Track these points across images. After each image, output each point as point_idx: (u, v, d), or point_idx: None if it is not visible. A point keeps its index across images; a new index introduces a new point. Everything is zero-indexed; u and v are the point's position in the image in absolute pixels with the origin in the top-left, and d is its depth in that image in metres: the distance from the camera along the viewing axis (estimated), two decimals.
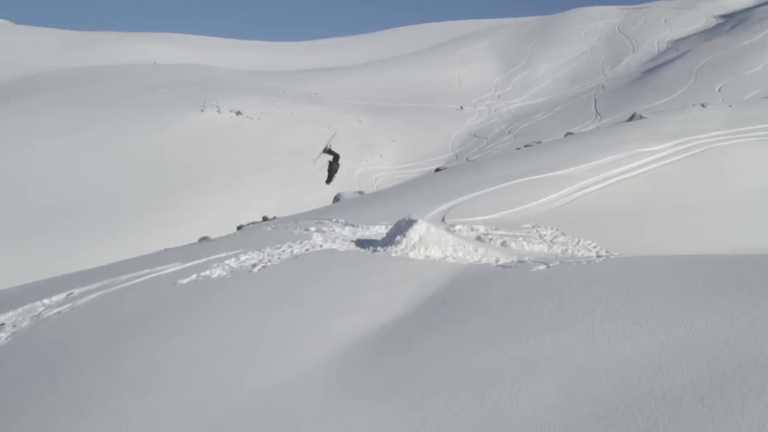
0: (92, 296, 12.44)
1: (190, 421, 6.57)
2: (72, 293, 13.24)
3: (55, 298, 13.20)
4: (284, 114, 70.60)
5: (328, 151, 16.49)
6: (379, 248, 13.65)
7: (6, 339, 11.31)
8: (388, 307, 9.09)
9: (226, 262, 13.12)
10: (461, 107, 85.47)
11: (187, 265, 13.47)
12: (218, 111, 66.96)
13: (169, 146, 55.67)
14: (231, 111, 67.87)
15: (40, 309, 12.81)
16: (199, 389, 7.20)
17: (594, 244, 14.76)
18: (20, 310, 13.13)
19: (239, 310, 9.60)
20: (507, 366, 6.22)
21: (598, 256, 12.42)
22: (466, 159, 57.46)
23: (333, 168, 16.30)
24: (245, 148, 59.34)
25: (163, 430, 6.55)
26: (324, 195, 42.22)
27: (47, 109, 66.93)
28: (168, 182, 47.29)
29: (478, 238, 14.75)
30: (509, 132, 69.57)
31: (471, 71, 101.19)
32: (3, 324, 12.52)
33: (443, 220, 16.97)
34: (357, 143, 65.80)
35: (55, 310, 12.16)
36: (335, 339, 8.02)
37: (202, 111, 66.00)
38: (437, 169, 46.54)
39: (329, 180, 16.58)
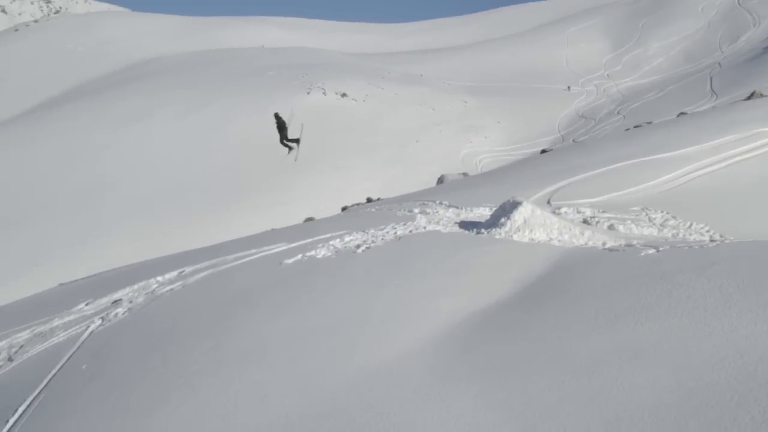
0: (202, 274, 12.84)
1: (294, 399, 6.70)
2: (183, 271, 13.70)
3: (167, 276, 13.69)
4: (389, 96, 70.82)
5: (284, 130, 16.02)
6: (482, 230, 13.54)
7: (123, 314, 11.83)
8: (492, 289, 9.01)
9: (331, 242, 13.29)
10: (568, 87, 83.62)
11: (293, 245, 13.72)
12: (324, 93, 67.76)
13: (272, 126, 56.76)
14: (336, 93, 68.58)
15: (154, 286, 13.32)
16: (303, 368, 7.34)
17: (707, 228, 14.20)
18: (136, 286, 13.70)
19: (343, 290, 9.71)
20: (613, 351, 6.06)
21: (711, 241, 11.94)
22: (573, 140, 56.26)
23: (280, 126, 15.91)
24: (350, 129, 59.88)
25: (269, 407, 6.71)
26: (428, 176, 42.19)
27: (161, 93, 69.30)
28: (275, 164, 48.20)
29: (585, 221, 14.43)
30: (618, 112, 67.61)
31: (579, 50, 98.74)
32: (120, 300, 13.10)
33: (549, 202, 16.68)
34: (461, 124, 65.37)
35: (168, 287, 12.62)
36: (437, 321, 8.02)
37: (308, 93, 66.96)
38: (543, 151, 45.79)
39: (283, 140, 16.12)
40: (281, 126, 14.56)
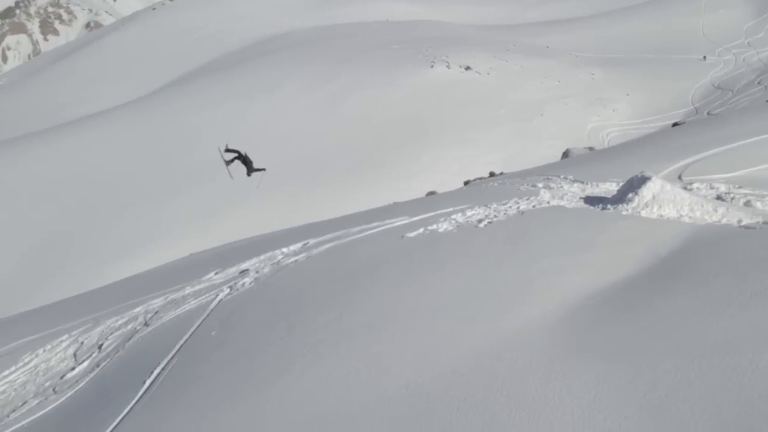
0: (326, 246, 13.07)
1: (414, 372, 6.73)
2: (308, 243, 14.00)
3: (292, 247, 14.01)
4: (513, 68, 69.68)
5: (230, 158, 15.48)
6: (609, 206, 13.16)
7: (250, 283, 12.22)
8: (618, 266, 8.75)
9: (453, 216, 13.23)
10: (704, 57, 79.72)
11: (415, 218, 13.75)
12: (447, 66, 67.37)
13: (400, 102, 56.89)
14: (460, 66, 68.02)
15: (280, 257, 13.67)
16: (423, 341, 7.36)
17: None
18: (262, 257, 14.10)
19: (465, 264, 9.66)
20: (748, 333, 5.78)
21: None
22: (708, 113, 53.73)
23: (247, 162, 15.46)
24: (474, 103, 59.35)
25: (389, 379, 6.78)
26: (553, 151, 41.34)
27: (289, 67, 70.69)
28: (398, 137, 48.45)
29: (719, 198, 13.78)
30: (759, 83, 63.97)
31: (717, 18, 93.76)
32: (247, 270, 13.53)
33: (680, 177, 16.02)
34: (588, 97, 63.61)
35: (293, 259, 12.92)
36: (560, 297, 7.86)
37: (432, 67, 66.72)
38: (675, 124, 43.98)
39: (249, 172, 15.65)
40: (244, 160, 14.55)
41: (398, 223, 13.68)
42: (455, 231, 11.89)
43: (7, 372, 12.89)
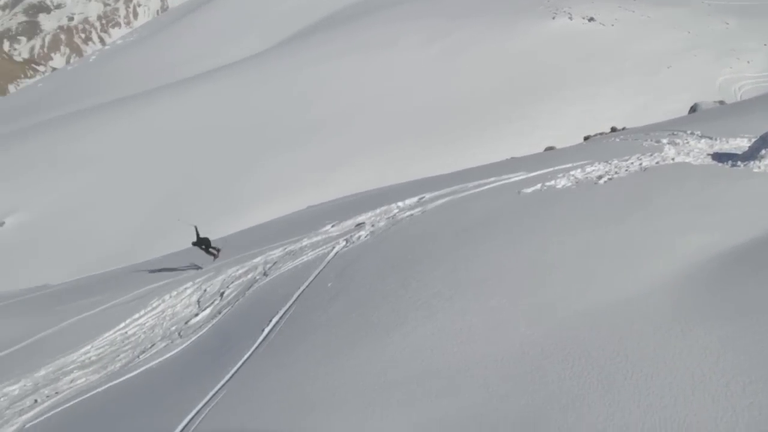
0: (441, 201, 13.03)
1: (528, 328, 6.65)
2: (423, 197, 13.99)
3: (408, 201, 14.05)
4: (640, 19, 66.80)
5: (200, 243, 14.70)
6: (738, 163, 12.52)
7: (366, 236, 12.35)
8: (746, 226, 8.31)
9: (572, 172, 12.92)
10: None
11: (532, 174, 13.51)
12: (570, 18, 65.26)
13: (520, 55, 55.70)
14: (583, 18, 65.76)
15: (395, 211, 13.74)
16: (539, 297, 7.26)
17: None
18: (378, 211, 14.21)
19: (582, 221, 9.43)
20: None
21: None
22: None
23: (211, 253, 14.94)
24: (597, 55, 57.39)
25: (503, 334, 6.73)
26: (680, 105, 39.62)
27: (407, 20, 70.23)
28: (517, 92, 47.55)
29: None
30: None
31: None
32: (363, 223, 13.67)
33: None
34: (720, 48, 60.36)
35: (408, 213, 12.96)
36: (683, 257, 7.56)
37: (553, 18, 64.81)
38: None
39: (209, 252, 15.04)
40: (202, 241, 14.19)
41: (515, 179, 13.48)
42: (574, 187, 11.62)
43: (137, 315, 13.57)
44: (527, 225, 9.77)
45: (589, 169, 13.06)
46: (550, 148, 26.84)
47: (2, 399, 11.84)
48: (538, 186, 12.08)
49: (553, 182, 12.25)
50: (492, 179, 13.94)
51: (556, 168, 13.64)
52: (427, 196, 13.99)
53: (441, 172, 20.89)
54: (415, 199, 14.09)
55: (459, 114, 44.23)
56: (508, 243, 9.13)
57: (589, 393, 5.33)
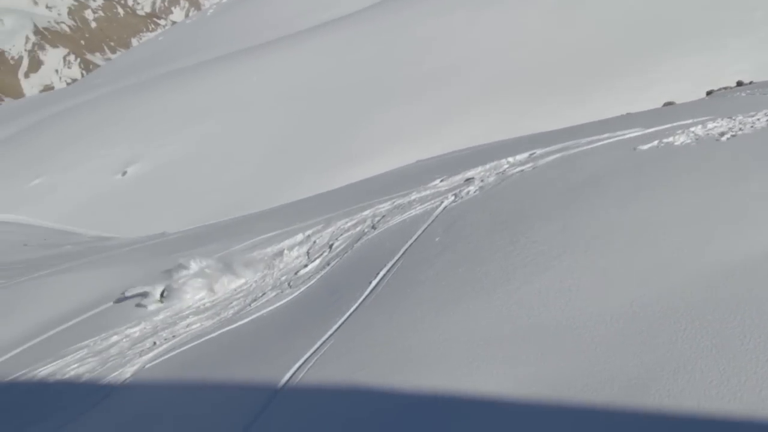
0: (552, 157, 12.78)
1: (639, 290, 6.49)
2: (534, 153, 13.76)
3: (518, 157, 13.85)
4: None
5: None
6: None
7: (474, 192, 12.27)
8: None
9: (692, 129, 12.40)
10: None
11: (649, 130, 13.05)
12: None
13: (638, 5, 53.55)
14: None
15: (505, 166, 13.58)
16: (651, 258, 7.05)
17: None
18: (487, 166, 14.08)
19: (701, 180, 9.05)
20: None
21: None
22: None
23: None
24: (723, 4, 54.56)
25: (613, 295, 6.59)
26: None
27: None
28: (635, 43, 45.79)
29: None
30: None
31: None
32: (472, 178, 13.58)
33: None
34: None
35: (518, 168, 12.78)
36: None
37: None
38: None
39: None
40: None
41: (631, 135, 13.05)
42: (693, 144, 11.14)
43: (249, 265, 13.97)
44: (642, 183, 9.47)
45: (710, 125, 12.49)
46: (669, 104, 25.85)
47: (124, 340, 12.48)
48: (655, 143, 11.65)
49: (671, 139, 11.78)
50: (606, 135, 13.55)
51: (675, 124, 13.12)
52: (538, 151, 13.74)
53: (553, 127, 20.46)
54: (525, 155, 13.87)
55: (572, 68, 43.09)
56: (622, 201, 8.88)
57: (702, 358, 5.16)
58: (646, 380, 5.19)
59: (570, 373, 5.69)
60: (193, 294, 13.13)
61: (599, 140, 13.32)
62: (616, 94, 37.52)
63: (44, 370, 12.27)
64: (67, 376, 11.83)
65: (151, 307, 13.22)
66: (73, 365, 12.13)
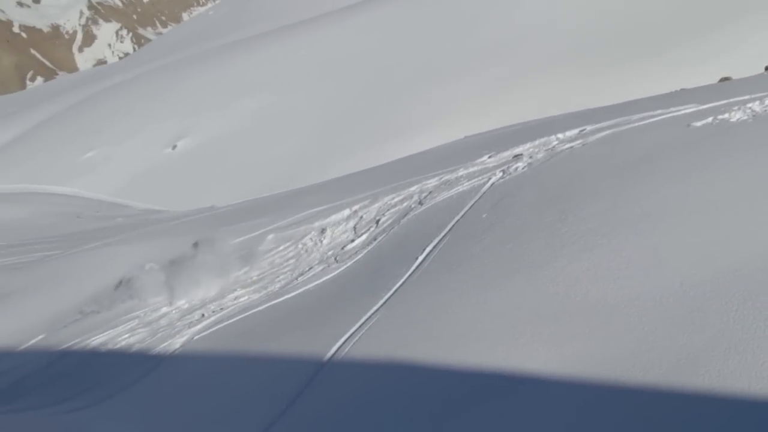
0: (603, 134, 12.57)
1: (691, 268, 6.36)
2: (584, 130, 13.55)
3: (568, 133, 13.66)
4: None
5: None
6: None
7: (523, 168, 12.14)
8: None
9: (749, 105, 12.06)
10: None
11: (704, 107, 12.73)
12: None
13: None
14: None
15: (554, 143, 13.40)
16: (704, 237, 6.90)
17: None
18: (536, 142, 13.91)
19: (757, 158, 8.81)
20: None
21: None
22: None
23: None
24: None
25: (663, 273, 6.47)
26: None
27: None
28: (692, 16, 44.69)
29: None
30: None
31: None
32: (521, 154, 13.43)
33: None
34: None
35: (568, 145, 12.60)
36: None
37: None
38: None
39: None
40: None
41: (685, 111, 12.76)
42: (750, 121, 10.85)
43: (297, 239, 14.06)
44: (695, 160, 9.26)
45: None
46: (725, 79, 25.22)
47: (174, 311, 12.70)
48: (710, 119, 11.37)
49: (726, 115, 11.48)
50: (659, 111, 13.27)
51: (731, 100, 12.78)
52: (589, 128, 13.52)
53: (604, 103, 20.11)
54: (575, 131, 13.67)
55: (625, 41, 42.26)
56: (674, 179, 8.69)
57: (755, 338, 5.05)
58: (695, 360, 5.10)
59: (617, 352, 5.62)
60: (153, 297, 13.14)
61: (652, 116, 13.05)
62: (670, 69, 36.74)
63: (96, 340, 12.55)
64: (118, 345, 12.09)
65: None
66: (124, 335, 12.39)
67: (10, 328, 13.89)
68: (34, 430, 9.62)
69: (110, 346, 12.14)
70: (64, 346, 12.76)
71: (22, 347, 13.20)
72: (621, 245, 7.31)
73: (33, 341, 13.31)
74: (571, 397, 5.48)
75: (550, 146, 13.24)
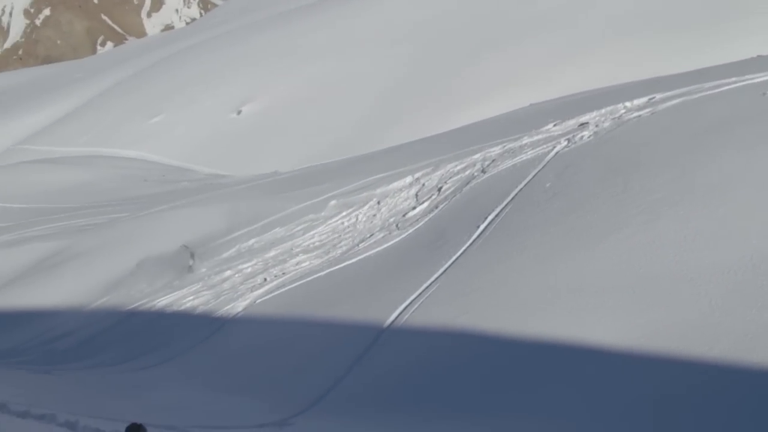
0: (673, 102, 12.24)
1: (762, 241, 6.17)
2: (654, 98, 13.22)
3: (636, 102, 13.35)
4: None
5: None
6: None
7: (588, 137, 11.92)
8: None
9: None
10: None
11: None
12: None
13: None
14: None
15: (622, 111, 13.11)
16: None
17: None
18: (603, 110, 13.63)
19: None
20: None
21: None
22: None
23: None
24: None
25: (732, 245, 6.30)
26: None
27: None
28: None
29: None
30: None
31: None
32: (587, 123, 13.18)
33: None
34: None
35: (636, 114, 12.31)
36: None
37: None
38: None
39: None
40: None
41: (760, 79, 12.32)
42: None
43: (358, 205, 14.11)
44: None
45: None
46: None
47: (237, 275, 12.90)
48: None
49: None
50: (733, 79, 12.84)
51: None
52: (658, 96, 13.18)
53: (676, 71, 19.56)
54: (644, 99, 13.34)
55: (700, 5, 40.94)
56: (747, 148, 8.40)
57: None
58: (763, 335, 4.98)
59: (682, 326, 5.51)
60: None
61: (725, 84, 12.64)
62: (748, 34, 35.47)
63: (162, 301, 12.86)
64: (183, 307, 12.37)
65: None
66: (188, 298, 12.66)
67: (79, 289, 14.30)
68: (104, 387, 9.93)
69: (175, 308, 12.42)
70: (131, 307, 13.09)
71: (91, 307, 13.60)
72: (688, 216, 7.13)
73: (101, 301, 13.69)
74: (634, 369, 5.42)
75: (618, 115, 12.96)
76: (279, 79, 48.58)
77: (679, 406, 4.95)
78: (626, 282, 6.46)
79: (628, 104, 13.43)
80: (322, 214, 14.24)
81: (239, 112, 46.08)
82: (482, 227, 9.87)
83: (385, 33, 49.75)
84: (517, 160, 12.41)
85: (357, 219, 13.65)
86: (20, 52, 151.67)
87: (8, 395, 7.52)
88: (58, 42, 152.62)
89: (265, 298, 11.42)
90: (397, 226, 12.35)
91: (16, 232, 20.87)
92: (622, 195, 8.47)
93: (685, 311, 5.66)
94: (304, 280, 11.46)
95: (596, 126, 12.63)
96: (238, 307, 11.49)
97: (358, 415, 7.10)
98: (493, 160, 13.27)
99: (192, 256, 13.56)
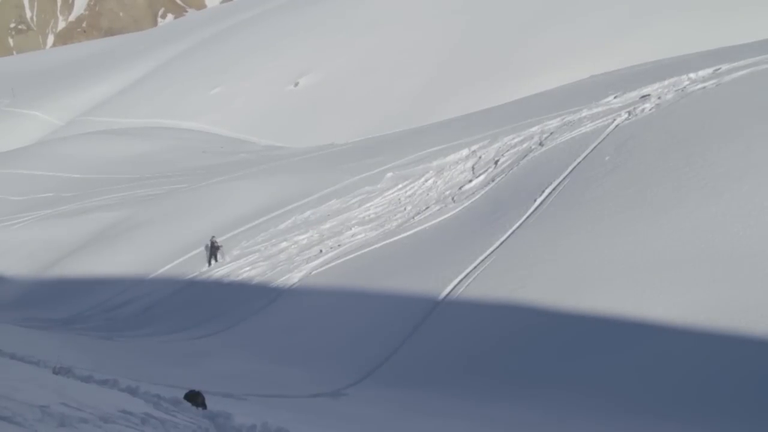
0: (740, 73, 11.87)
1: None
2: (720, 69, 12.85)
3: (701, 73, 13.00)
4: None
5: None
6: None
7: (650, 109, 11.65)
8: None
9: None
10: None
11: None
12: None
13: None
14: None
15: (686, 83, 12.78)
16: None
17: None
18: (666, 82, 13.30)
19: None
20: None
21: None
22: None
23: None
24: None
25: None
26: None
27: None
28: None
29: None
30: None
31: None
32: (649, 95, 12.89)
33: None
34: None
35: (700, 85, 11.99)
36: None
37: None
38: None
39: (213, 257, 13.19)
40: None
41: None
42: None
43: (415, 178, 14.07)
44: None
45: None
46: None
47: (293, 247, 13.00)
48: None
49: None
50: None
51: None
52: (724, 67, 12.79)
53: (744, 41, 18.96)
54: (709, 71, 12.97)
55: None
56: None
57: None
58: None
59: (743, 303, 5.39)
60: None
61: None
62: None
63: (219, 271, 13.04)
64: (240, 278, 12.52)
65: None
66: (245, 268, 12.80)
67: (138, 258, 14.59)
68: (163, 354, 10.14)
69: (232, 278, 12.58)
70: (189, 277, 13.31)
71: (150, 276, 13.86)
72: (753, 191, 6.94)
73: (160, 271, 13.95)
74: (692, 346, 5.32)
75: (681, 86, 12.63)
76: (336, 51, 48.59)
77: (736, 382, 4.85)
78: (687, 257, 6.33)
79: (692, 75, 13.09)
80: (378, 186, 14.22)
81: (297, 84, 46.23)
82: (539, 200, 9.76)
83: (442, 3, 49.27)
84: (576, 132, 12.21)
85: (413, 192, 13.61)
86: (84, 24, 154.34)
87: (74, 360, 7.73)
88: (121, 14, 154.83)
89: (321, 269, 11.48)
90: (453, 198, 12.28)
91: (78, 202, 21.35)
92: (684, 169, 8.28)
93: (747, 289, 5.54)
94: (359, 252, 11.48)
95: (658, 98, 12.34)
96: (293, 278, 11.58)
97: (412, 387, 7.13)
98: (551, 133, 13.08)
99: (218, 249, 13.66)
